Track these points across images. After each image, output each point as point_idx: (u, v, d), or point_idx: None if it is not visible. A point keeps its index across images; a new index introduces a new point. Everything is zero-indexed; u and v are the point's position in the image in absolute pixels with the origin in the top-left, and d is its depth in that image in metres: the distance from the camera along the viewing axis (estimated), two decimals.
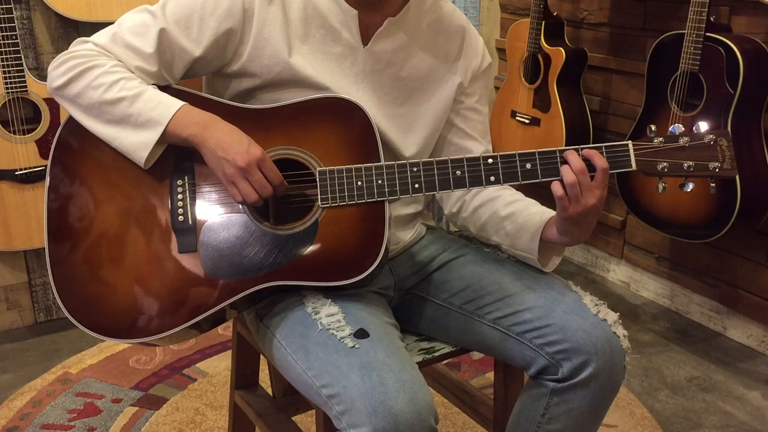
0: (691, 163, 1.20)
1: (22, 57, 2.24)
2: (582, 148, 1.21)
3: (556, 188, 1.20)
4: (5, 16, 2.19)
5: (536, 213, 1.33)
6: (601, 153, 1.20)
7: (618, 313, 1.31)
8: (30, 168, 2.32)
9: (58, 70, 1.27)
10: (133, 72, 1.27)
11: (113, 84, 1.23)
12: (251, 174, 1.19)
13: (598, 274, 3.03)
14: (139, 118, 1.23)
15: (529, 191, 1.41)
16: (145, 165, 1.25)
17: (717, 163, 1.19)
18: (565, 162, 1.20)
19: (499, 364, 1.53)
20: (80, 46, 1.29)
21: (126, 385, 2.23)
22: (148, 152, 1.23)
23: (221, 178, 1.23)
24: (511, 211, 1.36)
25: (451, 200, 1.47)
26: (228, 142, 1.21)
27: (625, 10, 2.69)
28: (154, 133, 1.22)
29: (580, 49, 2.72)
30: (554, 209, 1.28)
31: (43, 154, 2.33)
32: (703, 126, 1.21)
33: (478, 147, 1.46)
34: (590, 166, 1.20)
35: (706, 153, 1.20)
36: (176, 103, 1.24)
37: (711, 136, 1.19)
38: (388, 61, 1.36)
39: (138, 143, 1.23)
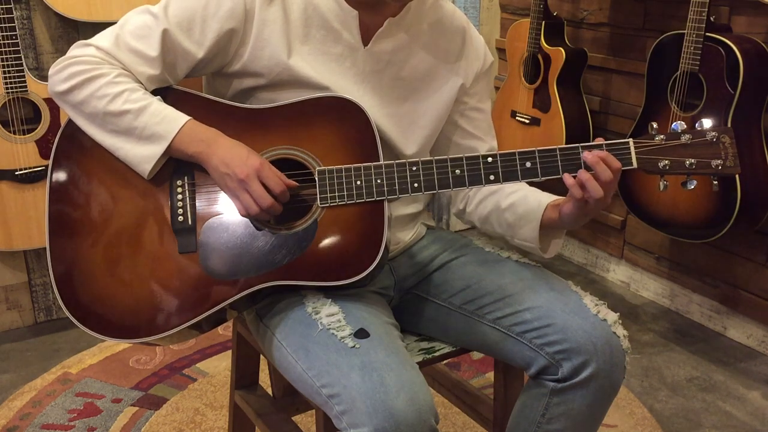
0: (693, 160, 1.19)
1: (22, 57, 2.24)
2: (583, 146, 1.21)
3: (568, 178, 1.20)
4: (5, 16, 2.19)
5: (534, 201, 1.34)
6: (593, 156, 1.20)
7: (618, 313, 1.31)
8: (30, 168, 2.32)
9: (61, 74, 1.26)
10: (136, 76, 1.27)
11: (118, 95, 1.23)
12: (250, 185, 1.19)
13: (598, 274, 3.03)
14: (144, 131, 1.23)
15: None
16: (148, 177, 1.25)
17: (719, 161, 1.19)
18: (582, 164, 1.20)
19: (499, 364, 1.53)
20: (83, 51, 1.28)
21: (126, 385, 2.23)
22: (152, 165, 1.24)
23: (226, 193, 1.24)
24: (511, 202, 1.37)
25: (458, 198, 1.49)
26: (229, 157, 1.21)
27: (625, 10, 2.69)
28: (158, 147, 1.23)
29: (580, 49, 2.72)
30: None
31: (43, 154, 2.33)
32: (706, 123, 1.19)
33: (483, 146, 1.47)
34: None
35: (708, 150, 1.19)
36: (181, 118, 1.24)
37: (713, 133, 1.18)
38: (389, 61, 1.36)
39: (142, 156, 1.24)
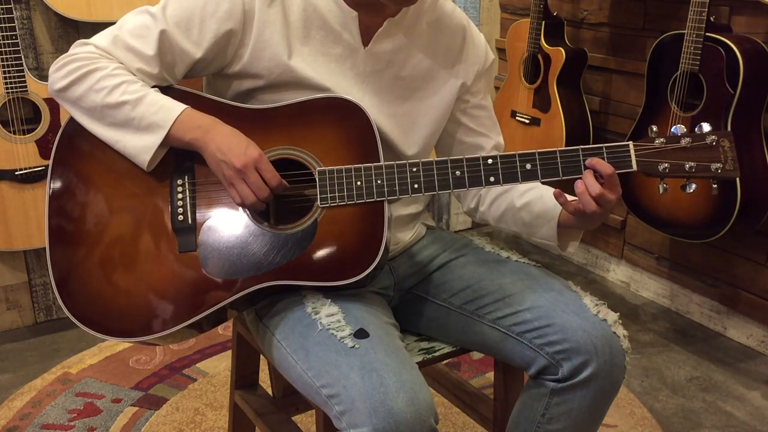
0: (692, 163, 1.19)
1: (22, 57, 2.24)
2: (583, 149, 1.21)
3: (578, 185, 1.21)
4: (5, 16, 2.19)
5: (550, 201, 1.34)
6: (602, 154, 1.20)
7: (618, 313, 1.31)
8: (30, 168, 2.32)
9: (60, 72, 1.27)
10: (134, 74, 1.27)
11: (115, 87, 1.24)
12: (248, 175, 1.20)
13: (598, 274, 3.03)
14: (142, 121, 1.23)
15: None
16: (148, 168, 1.25)
17: (719, 164, 1.19)
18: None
19: (499, 364, 1.53)
20: (81, 49, 1.29)
21: (126, 385, 2.23)
22: (150, 155, 1.23)
23: (222, 180, 1.23)
24: (527, 201, 1.37)
25: (468, 197, 1.49)
26: (227, 145, 1.21)
27: (625, 10, 2.69)
28: (156, 136, 1.23)
29: (580, 49, 2.72)
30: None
31: (43, 154, 2.33)
32: (706, 126, 1.20)
33: (488, 142, 1.48)
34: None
35: (708, 154, 1.19)
36: (178, 107, 1.24)
37: (713, 136, 1.19)
38: (389, 62, 1.36)
39: (141, 147, 1.24)
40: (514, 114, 2.86)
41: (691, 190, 1.22)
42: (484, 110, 1.48)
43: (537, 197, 1.37)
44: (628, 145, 1.21)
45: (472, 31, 1.45)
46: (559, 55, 2.65)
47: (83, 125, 1.27)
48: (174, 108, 1.24)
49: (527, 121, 2.79)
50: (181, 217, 1.26)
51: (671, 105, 2.25)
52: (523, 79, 2.79)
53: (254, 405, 1.64)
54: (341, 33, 1.32)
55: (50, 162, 1.29)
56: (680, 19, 2.39)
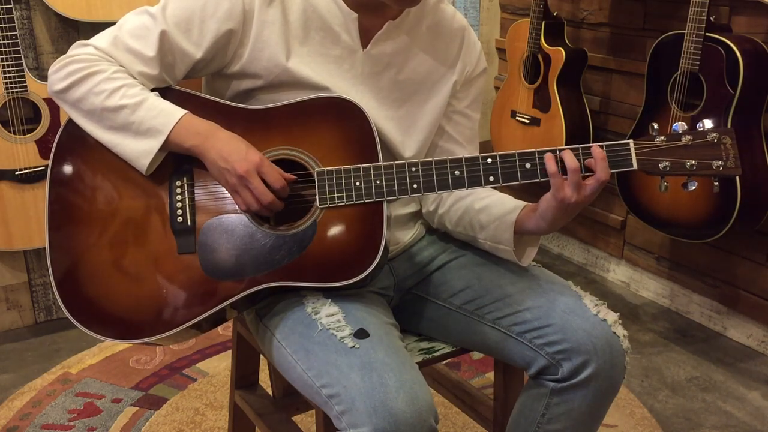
0: (693, 161, 1.19)
1: (22, 57, 2.24)
2: (583, 148, 1.20)
3: (551, 165, 1.19)
4: (5, 16, 2.19)
5: (510, 204, 1.33)
6: (602, 151, 1.20)
7: (618, 313, 1.31)
8: (30, 168, 2.32)
9: (59, 73, 1.27)
10: (134, 76, 1.27)
11: (115, 91, 1.23)
12: (250, 181, 1.20)
13: (598, 274, 3.03)
14: (141, 126, 1.23)
15: (525, 191, 1.40)
16: (147, 172, 1.25)
17: (720, 162, 1.18)
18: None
19: (499, 364, 1.53)
20: (81, 50, 1.28)
21: (126, 385, 2.23)
22: (149, 160, 1.23)
23: (226, 188, 1.24)
24: (485, 204, 1.36)
25: (429, 199, 1.47)
26: (227, 151, 1.21)
27: (625, 10, 2.69)
28: (155, 141, 1.23)
29: (580, 49, 2.72)
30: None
31: (43, 154, 2.34)
32: (708, 123, 1.19)
33: (461, 151, 1.46)
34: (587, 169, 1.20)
35: (709, 151, 1.18)
36: (178, 112, 1.24)
37: (714, 134, 1.18)
38: (387, 64, 1.35)
39: (140, 151, 1.24)
40: (514, 114, 2.86)
41: (693, 188, 1.21)
42: (467, 120, 1.47)
43: (496, 201, 1.35)
44: (628, 143, 1.20)
45: (470, 37, 1.44)
46: (559, 55, 2.65)
47: (82, 127, 1.27)
48: (173, 113, 1.24)
49: (527, 121, 2.79)
50: (180, 219, 1.25)
51: (671, 105, 2.25)
52: (523, 79, 2.79)
53: (254, 405, 1.64)
54: (340, 34, 1.32)
55: (50, 161, 1.29)
56: (680, 19, 2.39)
